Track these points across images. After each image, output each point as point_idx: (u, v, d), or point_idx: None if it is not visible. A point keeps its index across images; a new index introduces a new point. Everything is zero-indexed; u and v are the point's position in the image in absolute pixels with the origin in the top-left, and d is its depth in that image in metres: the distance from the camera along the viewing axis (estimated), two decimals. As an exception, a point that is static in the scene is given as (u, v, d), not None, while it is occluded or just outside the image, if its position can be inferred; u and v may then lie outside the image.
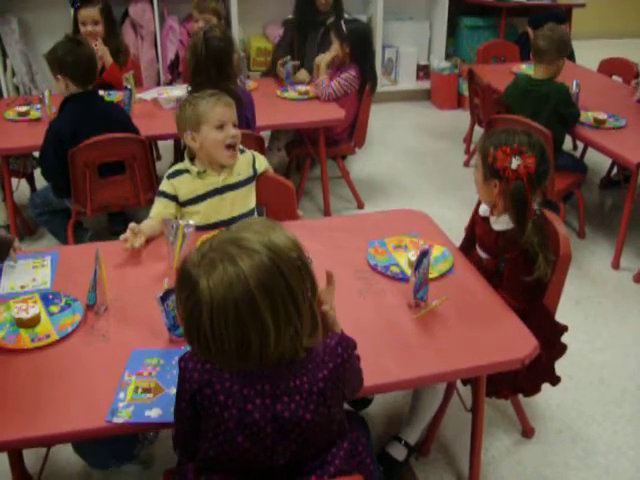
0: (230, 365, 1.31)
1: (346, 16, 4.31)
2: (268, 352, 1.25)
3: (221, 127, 2.34)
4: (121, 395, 1.58)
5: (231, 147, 2.39)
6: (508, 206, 2.03)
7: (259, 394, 1.31)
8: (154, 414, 1.53)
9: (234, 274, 1.20)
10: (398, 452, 2.19)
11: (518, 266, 2.02)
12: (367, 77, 3.90)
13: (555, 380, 2.18)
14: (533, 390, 2.16)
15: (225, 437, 1.33)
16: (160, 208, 2.40)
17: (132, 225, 2.21)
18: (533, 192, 1.99)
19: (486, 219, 2.15)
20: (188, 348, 1.69)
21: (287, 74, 4.08)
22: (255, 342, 1.23)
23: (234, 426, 1.32)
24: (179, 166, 2.46)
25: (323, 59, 3.91)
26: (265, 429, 1.32)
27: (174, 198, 2.42)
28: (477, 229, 2.22)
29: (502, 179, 2.00)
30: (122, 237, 2.19)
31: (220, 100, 2.36)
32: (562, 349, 2.15)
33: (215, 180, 2.43)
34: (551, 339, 2.08)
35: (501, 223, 2.08)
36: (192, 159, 2.44)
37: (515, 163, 1.96)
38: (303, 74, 4.21)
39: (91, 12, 3.85)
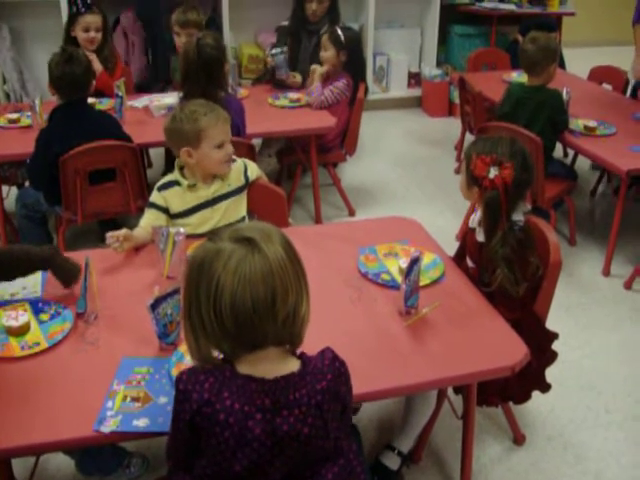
0: (247, 339, 1.32)
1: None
2: (297, 319, 1.33)
3: (221, 146, 2.34)
4: (109, 404, 1.57)
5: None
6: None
7: (259, 409, 1.31)
8: (142, 424, 1.52)
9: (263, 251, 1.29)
10: (392, 461, 2.18)
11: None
12: (359, 83, 3.91)
13: (545, 387, 2.18)
14: (523, 398, 2.16)
15: (224, 456, 1.32)
16: (151, 219, 2.37)
17: (126, 232, 2.20)
18: (510, 203, 1.99)
19: (474, 230, 2.15)
20: (179, 355, 1.70)
21: (279, 65, 4.06)
22: (288, 306, 1.30)
23: (235, 444, 1.31)
24: (169, 177, 2.44)
25: (318, 69, 3.90)
26: (266, 443, 1.32)
27: (165, 210, 2.41)
28: (467, 238, 2.22)
29: (481, 187, 2.01)
30: (110, 234, 2.16)
31: (220, 117, 2.33)
32: (553, 356, 2.15)
33: (205, 193, 2.42)
34: (542, 346, 2.08)
35: (483, 235, 2.08)
36: (182, 168, 2.43)
37: (493, 173, 1.97)
38: (297, 77, 4.20)
39: (97, 19, 3.85)
